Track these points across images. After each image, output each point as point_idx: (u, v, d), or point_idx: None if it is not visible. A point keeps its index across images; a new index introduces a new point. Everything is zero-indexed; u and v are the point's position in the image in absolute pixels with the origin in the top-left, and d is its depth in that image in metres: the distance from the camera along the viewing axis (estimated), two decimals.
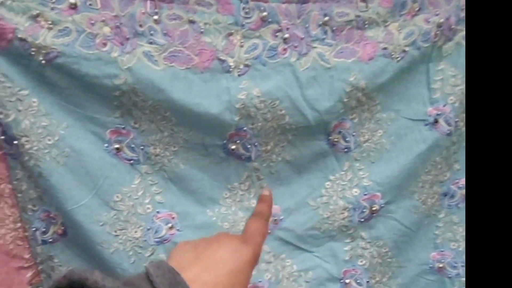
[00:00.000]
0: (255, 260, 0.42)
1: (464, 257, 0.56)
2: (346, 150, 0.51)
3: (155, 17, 0.40)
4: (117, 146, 0.45)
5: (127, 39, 0.40)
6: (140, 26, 0.40)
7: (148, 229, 0.48)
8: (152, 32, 0.40)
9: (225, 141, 0.48)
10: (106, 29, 0.39)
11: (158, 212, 0.49)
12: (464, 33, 0.48)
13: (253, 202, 0.52)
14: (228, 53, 0.43)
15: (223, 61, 0.44)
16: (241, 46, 0.43)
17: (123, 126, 0.45)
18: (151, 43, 0.41)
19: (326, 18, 0.44)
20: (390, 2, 0.46)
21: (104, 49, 0.40)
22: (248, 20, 0.43)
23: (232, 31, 0.43)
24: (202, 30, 0.42)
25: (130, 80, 0.42)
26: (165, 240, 0.49)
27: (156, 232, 0.49)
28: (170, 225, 0.50)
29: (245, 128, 0.47)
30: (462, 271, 0.56)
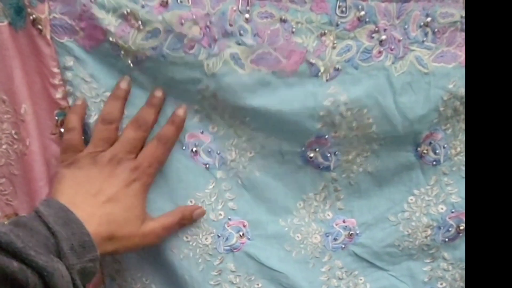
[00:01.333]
0: (146, 191, 0.43)
1: None
2: (434, 163, 0.49)
3: (247, 15, 0.39)
4: (194, 149, 0.45)
5: (215, 40, 0.40)
6: (230, 25, 0.39)
7: (219, 236, 0.48)
8: (241, 31, 0.40)
9: (303, 149, 0.47)
10: (195, 29, 0.39)
11: (229, 219, 0.49)
12: None
13: (328, 214, 0.51)
14: (318, 55, 0.42)
15: (312, 64, 0.42)
16: (334, 48, 0.42)
17: (201, 130, 0.45)
18: (239, 44, 0.40)
19: (428, 19, 0.42)
20: None
21: (191, 51, 0.40)
22: (344, 20, 0.41)
23: (325, 31, 0.41)
24: (293, 29, 0.41)
25: (213, 85, 0.42)
26: (235, 248, 0.49)
27: (226, 239, 0.49)
28: (241, 233, 0.49)
29: (326, 136, 0.46)
30: None
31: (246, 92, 0.42)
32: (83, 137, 0.42)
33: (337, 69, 0.43)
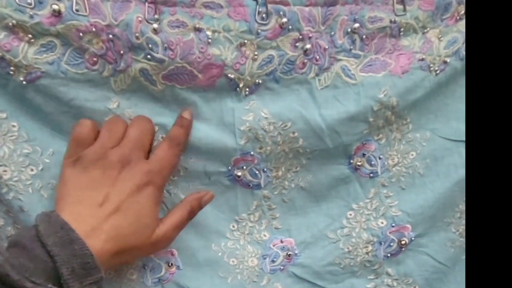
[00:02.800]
0: (160, 196, 0.41)
1: None
2: (372, 175, 0.49)
3: (155, 25, 0.36)
4: None
5: (121, 54, 0.37)
6: (137, 37, 0.36)
7: (145, 268, 0.46)
8: (150, 44, 0.37)
9: (229, 168, 0.45)
10: (97, 43, 0.36)
11: None
12: None
13: (265, 235, 0.50)
14: (238, 69, 0.40)
15: (230, 79, 0.40)
16: (254, 60, 0.40)
17: None
18: (149, 59, 0.37)
19: (356, 25, 0.41)
20: (432, 4, 0.43)
21: (95, 67, 0.37)
22: (264, 28, 0.39)
23: (245, 40, 0.39)
24: (209, 40, 0.38)
25: (124, 103, 0.39)
26: (164, 280, 0.47)
27: (153, 271, 0.46)
28: (169, 262, 0.47)
29: (252, 153, 0.44)
30: None
31: (161, 109, 0.40)
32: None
33: (257, 84, 0.42)
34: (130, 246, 0.38)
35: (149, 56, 0.37)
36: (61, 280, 0.32)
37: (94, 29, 0.36)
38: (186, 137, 0.41)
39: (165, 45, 0.37)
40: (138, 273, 0.45)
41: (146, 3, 0.36)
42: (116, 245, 0.37)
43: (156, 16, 0.37)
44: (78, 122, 0.39)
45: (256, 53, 0.40)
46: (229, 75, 0.40)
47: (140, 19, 0.36)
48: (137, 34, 0.36)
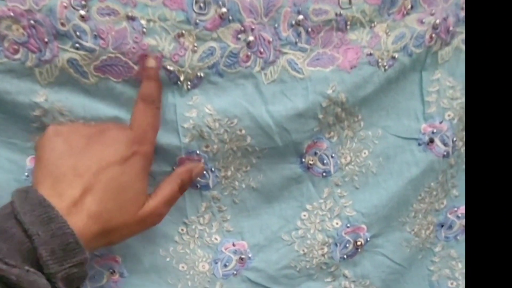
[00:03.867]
0: (148, 165, 0.36)
1: None
2: (324, 174, 0.45)
3: (82, 12, 0.32)
4: None
5: (46, 42, 0.33)
6: (62, 24, 0.32)
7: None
8: (78, 32, 0.33)
9: (174, 167, 0.41)
10: (16, 29, 0.31)
11: (98, 255, 0.41)
12: (464, 36, 0.42)
13: (216, 238, 0.45)
14: (177, 61, 0.36)
15: (170, 71, 0.36)
16: (194, 51, 0.36)
17: None
18: (77, 48, 0.33)
19: (300, 17, 0.38)
20: None
21: (16, 56, 0.32)
22: (203, 18, 0.35)
23: (183, 31, 0.35)
24: (144, 29, 0.34)
25: (53, 97, 0.34)
26: None
27: (94, 279, 0.41)
28: (112, 270, 0.42)
29: (197, 152, 0.40)
30: None
31: (96, 103, 0.36)
32: None
33: (199, 77, 0.38)
34: (116, 223, 0.33)
35: (77, 45, 0.33)
36: (40, 262, 0.28)
37: (12, 14, 0.31)
38: (159, 89, 0.36)
39: (95, 33, 0.33)
40: None
41: None
42: (100, 222, 0.32)
43: (83, 2, 0.32)
44: None
45: (195, 44, 0.36)
46: (168, 67, 0.36)
47: (65, 4, 0.32)
48: (62, 21, 0.32)
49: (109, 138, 0.33)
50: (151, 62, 0.35)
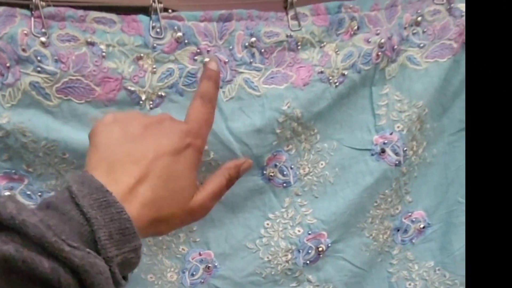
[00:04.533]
0: (199, 159, 0.35)
1: None
2: (285, 184, 0.46)
3: (43, 38, 0.33)
4: (8, 193, 0.38)
5: (8, 67, 0.33)
6: (24, 50, 0.33)
7: None
8: (39, 57, 0.33)
9: None
10: None
11: None
12: (408, 53, 0.44)
13: (183, 249, 0.46)
14: (137, 82, 0.37)
15: (131, 91, 0.37)
16: (154, 73, 0.37)
17: (13, 171, 0.37)
18: (39, 71, 0.34)
19: (253, 39, 0.39)
20: (326, 20, 0.41)
21: None
22: (160, 42, 0.37)
23: (142, 54, 0.36)
24: (103, 53, 0.35)
25: (15, 118, 0.35)
26: None
27: None
28: None
29: None
30: None
31: (58, 124, 0.36)
32: None
33: (160, 96, 0.39)
34: (167, 213, 0.32)
35: (39, 69, 0.34)
36: (98, 246, 0.26)
37: None
38: (217, 90, 0.36)
39: (56, 57, 0.34)
40: None
41: (32, 18, 0.33)
42: (153, 210, 0.31)
43: (43, 30, 0.33)
44: None
45: (154, 66, 0.37)
46: (129, 87, 0.37)
47: (25, 32, 0.33)
48: (23, 47, 0.33)
49: (166, 128, 0.33)
50: (213, 65, 0.36)
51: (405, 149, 0.46)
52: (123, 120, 0.32)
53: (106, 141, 0.31)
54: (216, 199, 0.36)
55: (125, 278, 0.28)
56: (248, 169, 0.39)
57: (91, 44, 0.35)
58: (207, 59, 0.37)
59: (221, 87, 0.40)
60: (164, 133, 0.32)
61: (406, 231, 0.51)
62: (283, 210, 0.47)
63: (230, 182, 0.37)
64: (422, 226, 0.50)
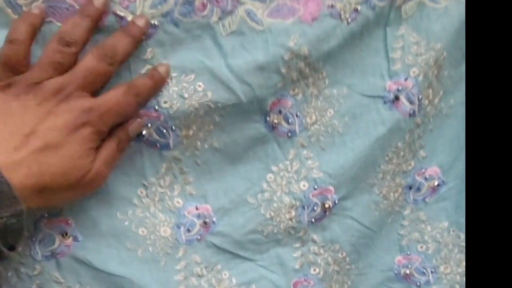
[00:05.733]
0: (96, 140, 0.34)
1: (433, 261, 0.49)
2: (289, 134, 0.44)
3: None
4: None
5: None
6: None
7: (33, 240, 0.39)
8: None
9: None
10: None
11: (45, 216, 0.39)
12: None
13: (178, 202, 0.44)
14: (127, 7, 0.34)
15: (121, 17, 0.34)
16: None
17: None
18: None
19: None
20: None
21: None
22: None
23: None
24: None
25: None
26: (58, 254, 0.40)
27: (43, 243, 0.39)
28: (63, 234, 0.40)
29: (156, 107, 0.38)
30: (432, 277, 0.49)
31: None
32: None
33: (153, 25, 0.36)
34: (57, 186, 0.32)
35: None
36: None
37: None
38: (151, 92, 0.36)
39: None
40: (25, 246, 0.38)
41: None
42: (39, 181, 0.31)
43: None
44: (9, 38, 0.32)
45: None
46: (118, 12, 0.34)
47: None
48: None
49: (64, 105, 0.32)
50: (162, 68, 0.37)
51: (420, 97, 0.44)
52: (20, 91, 0.32)
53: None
54: (111, 166, 0.37)
55: (12, 248, 0.29)
56: (138, 129, 0.38)
57: None
58: (161, 66, 0.37)
59: (221, 19, 0.37)
60: (62, 110, 0.32)
61: (419, 189, 0.48)
62: (287, 162, 0.45)
63: (121, 145, 0.37)
64: (436, 183, 0.48)
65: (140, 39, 0.35)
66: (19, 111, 0.31)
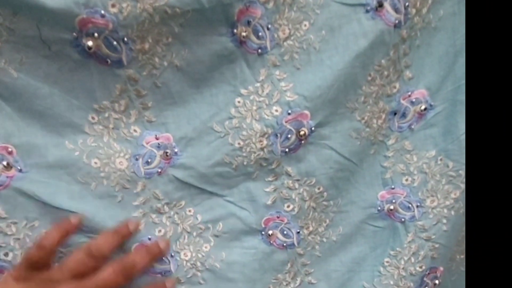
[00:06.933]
0: None
1: (419, 194, 0.46)
2: (260, 51, 0.40)
3: None
4: None
5: None
6: None
7: None
8: None
9: (75, 34, 0.35)
10: None
11: None
12: None
13: (135, 130, 0.41)
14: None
15: None
16: None
17: None
18: None
19: None
20: None
21: None
22: None
23: None
24: None
25: None
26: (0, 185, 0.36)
27: None
28: (5, 162, 0.36)
29: (102, 12, 0.34)
30: (417, 212, 0.47)
31: None
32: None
33: None
34: None
35: None
36: None
37: None
38: (145, 268, 0.39)
39: None
40: None
41: None
42: None
43: None
44: (37, 243, 0.36)
45: None
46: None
47: None
48: None
49: None
50: (162, 244, 0.41)
51: (407, 4, 0.40)
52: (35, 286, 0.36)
53: None
54: None
55: None
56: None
57: None
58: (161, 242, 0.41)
59: None
60: None
61: (404, 114, 0.45)
62: (258, 84, 0.41)
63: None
64: (423, 107, 0.45)
65: (126, 240, 0.39)
66: None
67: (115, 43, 0.36)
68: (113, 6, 0.34)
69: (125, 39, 0.36)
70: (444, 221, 0.46)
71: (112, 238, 0.38)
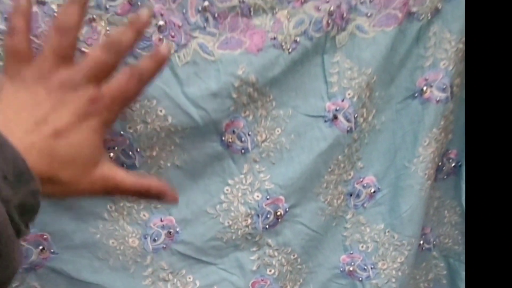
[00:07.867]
0: (104, 131, 0.32)
1: (372, 258, 0.51)
2: (243, 151, 0.45)
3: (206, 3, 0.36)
4: None
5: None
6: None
7: None
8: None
9: None
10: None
11: None
12: (357, 22, 0.44)
13: (144, 215, 0.45)
14: (91, 44, 0.35)
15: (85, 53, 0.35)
16: (108, 36, 0.35)
17: None
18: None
19: (206, 3, 0.38)
20: None
21: None
22: (113, 3, 0.35)
23: (94, 16, 0.35)
24: (55, 13, 0.33)
25: None
26: (36, 265, 0.40)
27: (25, 258, 0.39)
28: (41, 247, 0.40)
29: (122, 133, 0.39)
30: (372, 273, 0.51)
31: None
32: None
33: None
34: (65, 176, 0.30)
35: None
36: None
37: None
38: (154, 73, 0.33)
39: (5, 15, 0.32)
40: None
41: None
42: (50, 167, 0.29)
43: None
44: (9, 30, 0.29)
45: (108, 28, 0.35)
46: (83, 49, 0.35)
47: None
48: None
49: (72, 96, 0.30)
50: (165, 48, 0.33)
51: (356, 115, 0.46)
52: (30, 81, 0.30)
53: (10, 100, 0.29)
54: (120, 192, 0.34)
55: (27, 227, 0.26)
56: (174, 202, 0.39)
57: (41, 3, 0.33)
58: (163, 47, 0.35)
59: (176, 52, 0.39)
60: (69, 100, 0.30)
61: (358, 195, 0.51)
62: (242, 176, 0.46)
63: (145, 194, 0.35)
64: (372, 190, 0.50)
65: (143, 31, 0.33)
66: (29, 102, 0.29)
67: (130, 153, 0.40)
68: (129, 128, 0.39)
69: (138, 149, 0.40)
70: (393, 280, 0.51)
71: (130, 31, 0.32)
